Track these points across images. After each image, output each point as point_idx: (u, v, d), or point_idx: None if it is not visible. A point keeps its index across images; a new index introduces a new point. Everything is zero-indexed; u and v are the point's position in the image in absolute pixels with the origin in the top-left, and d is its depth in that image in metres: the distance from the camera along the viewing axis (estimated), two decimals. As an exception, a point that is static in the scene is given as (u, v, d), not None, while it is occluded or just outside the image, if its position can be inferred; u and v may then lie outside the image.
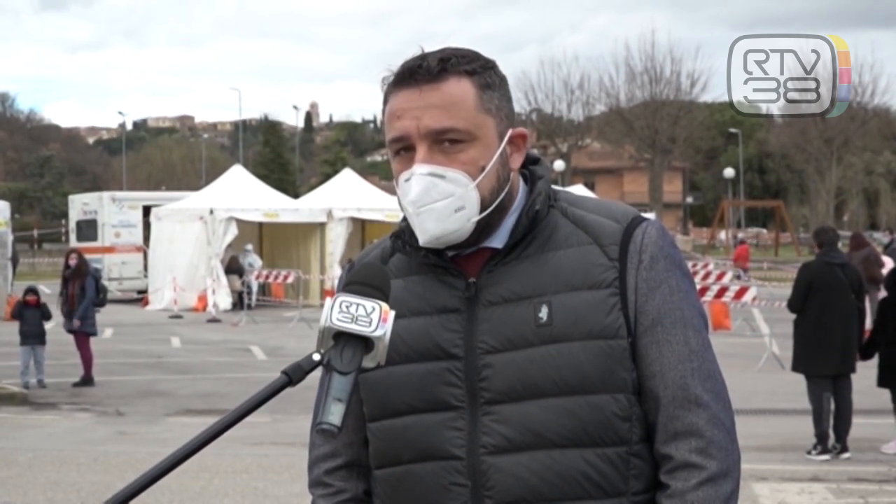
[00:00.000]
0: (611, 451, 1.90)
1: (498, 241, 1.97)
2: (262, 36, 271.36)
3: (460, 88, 1.91)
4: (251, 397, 1.71)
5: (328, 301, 1.76)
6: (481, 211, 1.92)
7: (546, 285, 1.93)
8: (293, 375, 1.73)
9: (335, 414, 1.69)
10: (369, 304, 1.75)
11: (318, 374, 1.83)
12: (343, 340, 1.73)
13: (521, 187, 2.02)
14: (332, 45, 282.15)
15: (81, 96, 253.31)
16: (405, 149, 1.94)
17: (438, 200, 1.90)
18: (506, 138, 1.96)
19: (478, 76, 1.93)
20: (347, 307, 1.74)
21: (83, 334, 14.78)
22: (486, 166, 1.92)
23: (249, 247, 28.84)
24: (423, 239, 1.94)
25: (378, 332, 1.73)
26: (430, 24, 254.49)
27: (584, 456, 1.89)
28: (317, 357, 1.74)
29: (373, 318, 1.73)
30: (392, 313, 1.75)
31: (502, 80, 1.99)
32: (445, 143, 1.90)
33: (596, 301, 1.91)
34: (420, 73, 1.91)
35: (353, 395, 1.73)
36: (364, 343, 1.74)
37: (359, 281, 1.79)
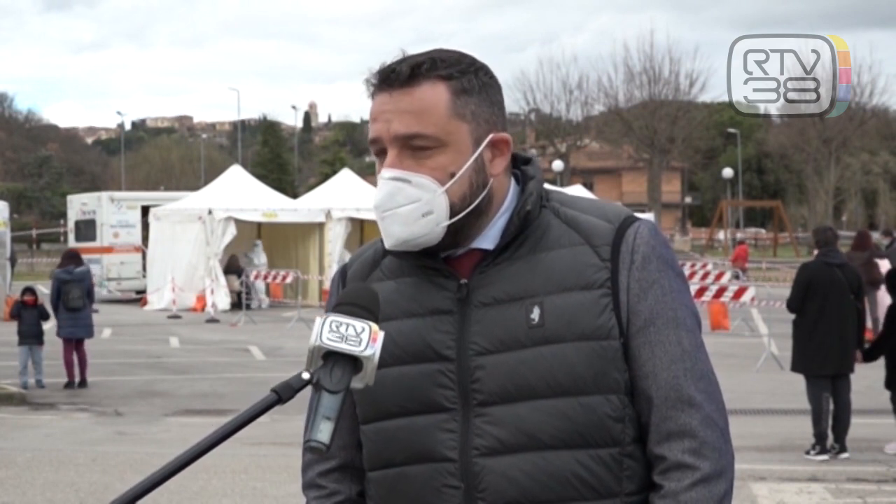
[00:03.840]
0: (604, 452, 1.89)
1: (489, 241, 1.96)
2: (265, 37, 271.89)
3: (433, 94, 1.90)
4: (241, 413, 1.74)
5: (318, 321, 1.78)
6: (451, 216, 1.91)
7: (538, 286, 1.92)
8: (283, 394, 1.75)
9: (324, 432, 1.72)
10: (359, 324, 1.77)
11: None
12: (332, 360, 1.76)
13: (513, 187, 2.01)
14: (335, 45, 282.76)
15: (84, 97, 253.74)
16: (381, 151, 1.95)
17: (404, 205, 1.90)
18: (483, 144, 1.94)
19: (454, 81, 1.91)
20: (337, 327, 1.76)
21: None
22: (456, 172, 1.91)
23: (259, 243, 28.80)
24: (388, 242, 1.94)
25: (367, 352, 1.76)
26: (432, 24, 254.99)
27: (576, 457, 1.88)
28: (306, 375, 1.76)
29: (362, 338, 1.76)
30: (382, 334, 1.78)
31: (485, 84, 1.95)
32: (415, 148, 1.90)
33: (588, 302, 1.90)
34: (392, 77, 1.91)
35: (346, 398, 1.75)
36: (353, 363, 1.76)
37: (349, 301, 1.82)
